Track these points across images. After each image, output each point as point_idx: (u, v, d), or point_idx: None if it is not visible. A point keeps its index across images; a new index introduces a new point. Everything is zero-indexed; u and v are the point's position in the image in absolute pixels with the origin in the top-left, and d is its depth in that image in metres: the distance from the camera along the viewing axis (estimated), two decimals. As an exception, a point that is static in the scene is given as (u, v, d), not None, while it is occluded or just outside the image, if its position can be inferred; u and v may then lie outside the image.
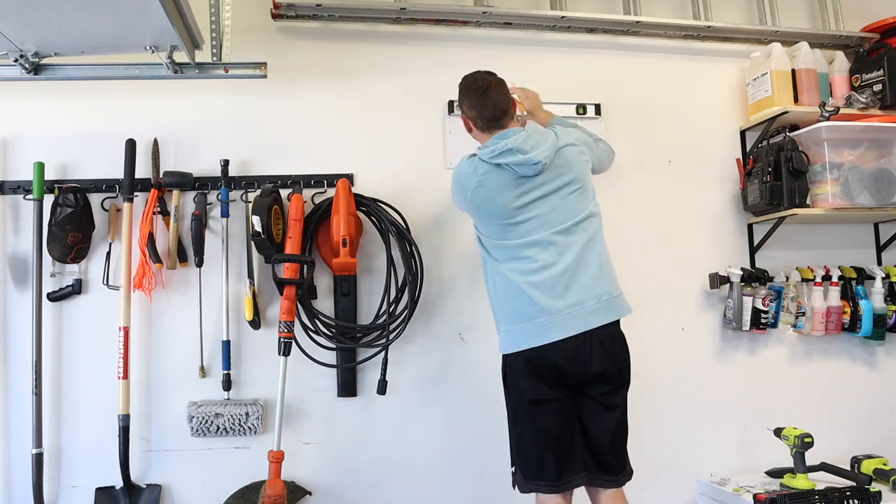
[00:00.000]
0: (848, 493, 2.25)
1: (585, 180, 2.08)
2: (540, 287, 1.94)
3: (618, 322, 1.99)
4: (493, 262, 2.06)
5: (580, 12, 2.72)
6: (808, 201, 2.65)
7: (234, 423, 2.31)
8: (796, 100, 2.74)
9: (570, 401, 1.96)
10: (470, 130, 2.17)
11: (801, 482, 2.32)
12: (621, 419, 1.99)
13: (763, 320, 2.68)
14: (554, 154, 2.01)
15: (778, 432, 2.41)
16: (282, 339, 2.28)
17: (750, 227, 2.83)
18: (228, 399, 2.36)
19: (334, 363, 2.44)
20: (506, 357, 2.03)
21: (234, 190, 2.45)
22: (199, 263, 2.38)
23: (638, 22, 2.76)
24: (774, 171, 2.63)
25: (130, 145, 2.35)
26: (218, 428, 2.31)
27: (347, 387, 2.45)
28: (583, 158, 2.10)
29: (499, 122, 2.08)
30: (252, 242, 2.33)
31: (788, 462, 2.40)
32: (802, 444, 2.31)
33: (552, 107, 2.50)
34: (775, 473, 2.49)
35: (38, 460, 2.22)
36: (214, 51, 2.19)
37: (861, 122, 2.64)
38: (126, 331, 2.26)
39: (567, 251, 1.97)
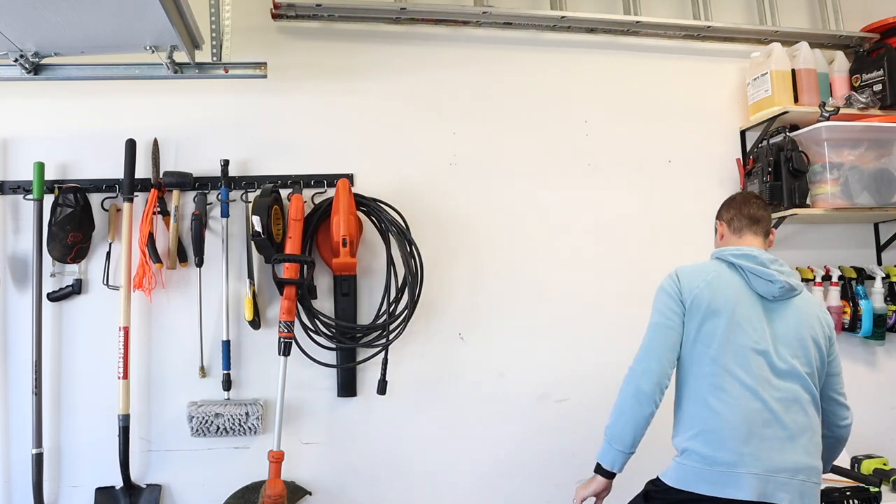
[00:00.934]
0: (848, 493, 2.25)
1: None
2: None
3: None
4: None
5: (580, 12, 2.72)
6: (808, 201, 2.65)
7: (234, 423, 2.31)
8: (796, 100, 2.74)
9: None
10: (721, 238, 2.00)
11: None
12: None
13: (763, 320, 2.68)
14: (792, 294, 1.80)
15: None
16: (282, 339, 2.28)
17: (750, 227, 2.83)
18: (228, 399, 2.36)
19: (334, 363, 2.44)
20: None
21: (234, 190, 2.45)
22: (199, 263, 2.38)
23: (638, 22, 2.76)
24: (774, 171, 2.63)
25: (130, 145, 2.35)
26: (218, 428, 2.31)
27: (347, 387, 2.45)
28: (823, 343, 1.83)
29: (752, 228, 1.92)
30: (252, 242, 2.33)
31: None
32: None
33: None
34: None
35: (38, 460, 2.21)
36: (214, 51, 2.19)
37: (861, 122, 2.64)
38: (126, 331, 2.26)
39: None
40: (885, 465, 2.52)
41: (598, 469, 1.81)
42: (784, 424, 1.71)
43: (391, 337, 2.41)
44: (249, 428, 2.33)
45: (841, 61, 2.91)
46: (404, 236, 2.47)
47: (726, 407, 1.72)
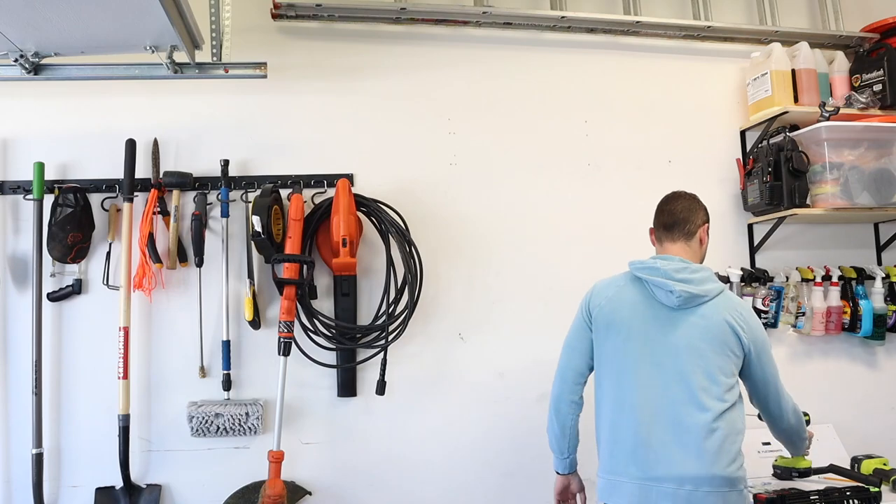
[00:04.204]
0: (848, 493, 2.25)
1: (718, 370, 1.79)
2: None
3: None
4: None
5: (580, 12, 2.72)
6: (808, 201, 2.65)
7: (234, 423, 2.31)
8: (796, 100, 2.74)
9: None
10: (654, 245, 2.04)
11: (799, 462, 2.33)
12: None
13: (763, 320, 2.67)
14: (697, 301, 1.81)
15: None
16: (282, 339, 2.28)
17: (750, 227, 2.83)
18: (228, 399, 2.36)
19: (334, 363, 2.44)
20: None
21: (234, 190, 2.45)
22: (199, 263, 2.38)
23: (638, 22, 2.76)
24: (774, 171, 2.63)
25: (130, 145, 2.35)
26: (218, 428, 2.31)
27: (347, 387, 2.45)
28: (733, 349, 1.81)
29: (669, 236, 1.94)
30: (252, 242, 2.33)
31: (788, 462, 2.40)
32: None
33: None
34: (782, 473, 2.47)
35: (38, 460, 2.21)
36: (214, 51, 2.19)
37: (861, 122, 2.64)
38: (126, 331, 2.26)
39: None
40: (885, 465, 2.52)
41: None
42: (672, 436, 1.75)
43: (390, 338, 2.41)
44: (249, 428, 2.33)
45: (841, 61, 2.91)
46: (404, 237, 2.47)
47: (619, 419, 1.83)
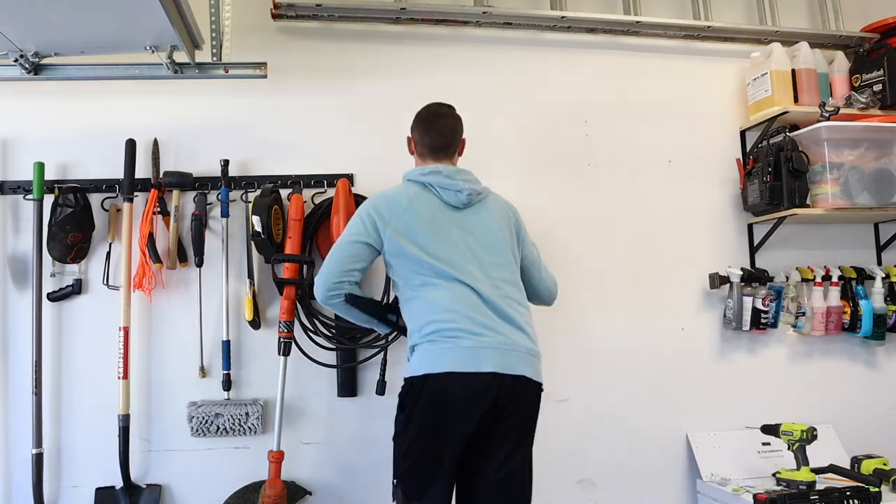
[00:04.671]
0: (848, 493, 2.25)
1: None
2: None
3: None
4: None
5: (580, 12, 2.72)
6: (808, 201, 2.65)
7: (234, 423, 2.32)
8: (796, 100, 2.74)
9: None
10: (412, 153, 2.12)
11: (804, 474, 2.31)
12: None
13: (763, 320, 2.68)
14: (479, 198, 2.00)
15: (770, 429, 2.42)
16: (281, 339, 2.28)
17: (750, 227, 2.83)
18: (228, 399, 2.36)
19: (334, 363, 2.44)
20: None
21: (234, 190, 2.45)
22: (199, 263, 2.38)
23: (638, 22, 2.76)
24: (774, 171, 2.63)
25: (130, 145, 2.35)
26: (218, 428, 2.31)
27: (347, 387, 2.45)
28: (510, 237, 2.02)
29: (437, 155, 2.03)
30: (252, 242, 2.34)
31: (788, 462, 2.40)
32: (811, 436, 2.32)
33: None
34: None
35: (38, 460, 2.22)
36: (214, 51, 2.19)
37: (861, 122, 2.64)
38: (126, 331, 2.26)
39: None
40: (885, 465, 2.52)
41: None
42: (499, 310, 1.87)
43: (390, 337, 2.41)
44: (249, 428, 2.33)
45: (841, 61, 2.91)
46: (404, 236, 2.46)
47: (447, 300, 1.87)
